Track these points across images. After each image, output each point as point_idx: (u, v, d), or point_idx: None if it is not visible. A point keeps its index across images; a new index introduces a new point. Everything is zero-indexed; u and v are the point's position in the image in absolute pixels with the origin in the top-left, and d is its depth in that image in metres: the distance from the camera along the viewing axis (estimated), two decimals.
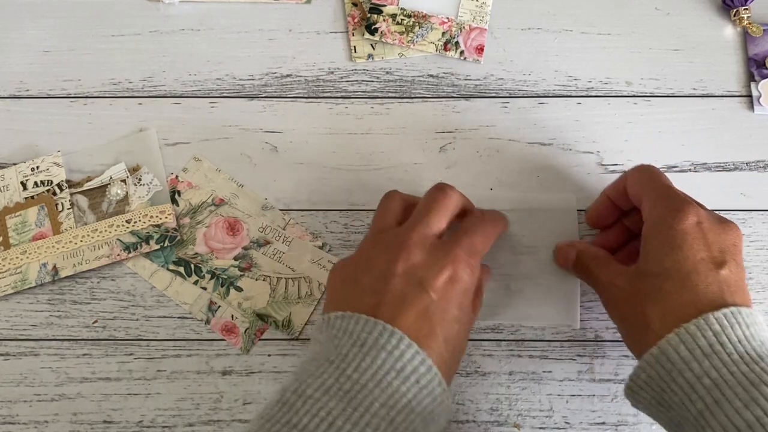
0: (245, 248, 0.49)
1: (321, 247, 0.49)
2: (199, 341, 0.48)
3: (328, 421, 0.33)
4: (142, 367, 0.47)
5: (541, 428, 0.46)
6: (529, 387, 0.47)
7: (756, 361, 0.34)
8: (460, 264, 0.39)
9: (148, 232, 0.49)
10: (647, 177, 0.42)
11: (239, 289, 0.48)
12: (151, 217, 0.49)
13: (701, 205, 0.41)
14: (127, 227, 0.49)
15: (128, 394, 0.47)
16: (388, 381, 0.35)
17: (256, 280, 0.48)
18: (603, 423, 0.46)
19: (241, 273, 0.48)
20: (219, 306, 0.48)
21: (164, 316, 0.48)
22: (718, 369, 0.34)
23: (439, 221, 0.41)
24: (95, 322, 0.48)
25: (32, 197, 0.50)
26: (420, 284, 0.38)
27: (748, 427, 0.32)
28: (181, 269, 0.49)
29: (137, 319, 0.48)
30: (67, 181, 0.50)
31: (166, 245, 0.49)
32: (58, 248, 0.48)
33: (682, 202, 0.39)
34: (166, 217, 0.49)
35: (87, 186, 0.50)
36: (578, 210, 0.49)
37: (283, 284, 0.48)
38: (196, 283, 0.48)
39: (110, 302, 0.48)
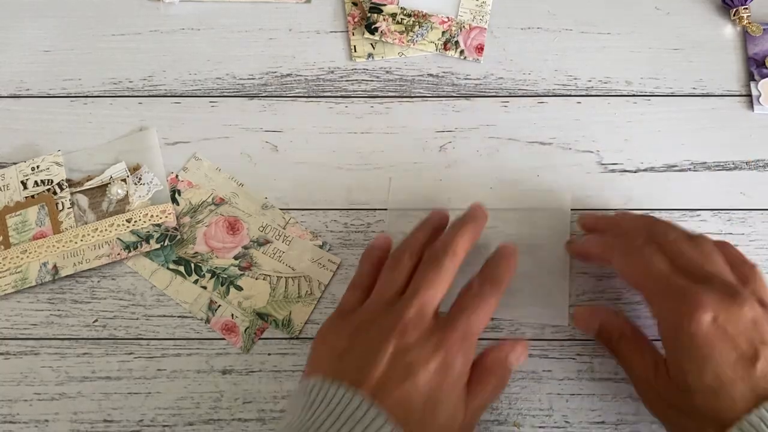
0: (245, 247, 0.49)
1: (321, 246, 0.49)
2: (199, 340, 0.48)
3: None
4: (143, 366, 0.47)
5: (540, 427, 0.46)
6: (529, 386, 0.47)
7: None
8: (452, 350, 0.37)
9: (149, 231, 0.49)
10: (640, 269, 0.39)
11: (239, 288, 0.48)
12: (152, 216, 0.49)
13: (711, 276, 0.38)
14: (128, 226, 0.49)
15: (128, 393, 0.47)
16: None
17: (256, 279, 0.48)
18: (603, 422, 0.46)
19: (241, 272, 0.48)
20: (219, 305, 0.48)
21: (164, 315, 0.48)
22: None
23: (435, 298, 0.39)
24: (95, 321, 0.48)
25: (32, 196, 0.50)
26: (408, 369, 0.36)
27: None
28: (181, 268, 0.49)
29: (137, 319, 0.48)
30: (68, 181, 0.50)
31: (166, 244, 0.49)
32: (58, 247, 0.49)
33: (690, 299, 0.36)
34: (166, 216, 0.49)
35: (87, 185, 0.50)
36: (572, 209, 0.49)
37: (283, 283, 0.48)
38: (196, 282, 0.48)
39: (110, 301, 0.48)
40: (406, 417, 0.35)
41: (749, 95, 0.52)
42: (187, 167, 0.51)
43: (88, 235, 0.49)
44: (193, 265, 0.49)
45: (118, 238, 0.49)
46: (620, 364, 0.43)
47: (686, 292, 0.37)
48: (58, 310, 0.48)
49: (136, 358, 0.48)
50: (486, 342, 0.48)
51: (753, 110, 0.52)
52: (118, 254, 0.48)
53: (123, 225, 0.49)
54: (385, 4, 0.53)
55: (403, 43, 0.53)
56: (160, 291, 0.48)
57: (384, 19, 0.53)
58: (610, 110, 0.52)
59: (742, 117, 0.52)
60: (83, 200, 0.50)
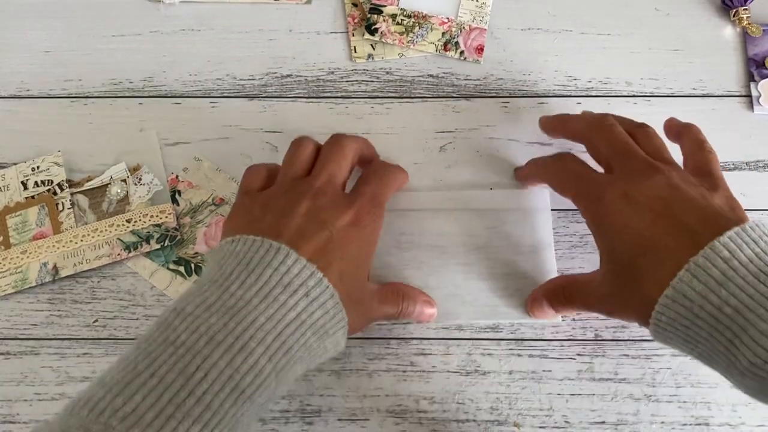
0: None
1: None
2: None
3: (208, 335, 0.33)
4: None
5: (541, 427, 0.46)
6: (529, 386, 0.47)
7: None
8: (364, 210, 0.40)
9: (149, 232, 0.49)
10: (561, 175, 0.44)
11: None
12: (152, 216, 0.49)
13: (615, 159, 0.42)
14: (128, 227, 0.49)
15: None
16: (274, 296, 0.35)
17: None
18: (603, 422, 0.46)
19: None
20: None
21: None
22: (736, 295, 0.33)
23: (341, 171, 0.42)
24: (95, 321, 0.48)
25: (33, 197, 0.50)
26: (322, 222, 0.38)
27: None
28: (182, 269, 0.49)
29: (137, 319, 0.48)
30: (68, 181, 0.50)
31: (166, 245, 0.49)
32: (58, 248, 0.49)
33: (599, 185, 0.40)
34: (166, 217, 0.49)
35: (87, 186, 0.50)
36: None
37: None
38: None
39: (110, 301, 0.48)
40: (320, 264, 0.36)
41: (749, 96, 0.52)
42: (187, 168, 0.51)
43: (88, 235, 0.49)
44: (193, 265, 0.49)
45: (118, 239, 0.49)
46: (578, 307, 0.44)
47: (597, 181, 0.40)
48: (58, 311, 0.48)
49: None
50: (486, 341, 0.48)
51: (753, 111, 0.52)
52: (119, 254, 0.48)
53: (123, 225, 0.49)
54: (385, 5, 0.53)
55: (403, 44, 0.53)
56: (161, 291, 0.48)
57: (384, 20, 0.53)
58: (610, 111, 0.52)
59: (742, 118, 0.52)
60: (83, 201, 0.50)
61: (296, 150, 0.43)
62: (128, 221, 0.49)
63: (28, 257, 0.48)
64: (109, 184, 0.50)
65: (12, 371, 0.47)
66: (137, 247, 0.49)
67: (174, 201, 0.50)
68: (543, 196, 0.49)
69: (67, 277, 0.48)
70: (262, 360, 0.33)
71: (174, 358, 0.32)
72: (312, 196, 0.40)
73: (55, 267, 0.48)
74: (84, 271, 0.49)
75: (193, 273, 0.48)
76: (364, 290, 0.41)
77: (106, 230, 0.49)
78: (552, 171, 0.45)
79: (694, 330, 0.35)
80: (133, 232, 0.49)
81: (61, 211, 0.49)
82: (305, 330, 0.35)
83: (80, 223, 0.49)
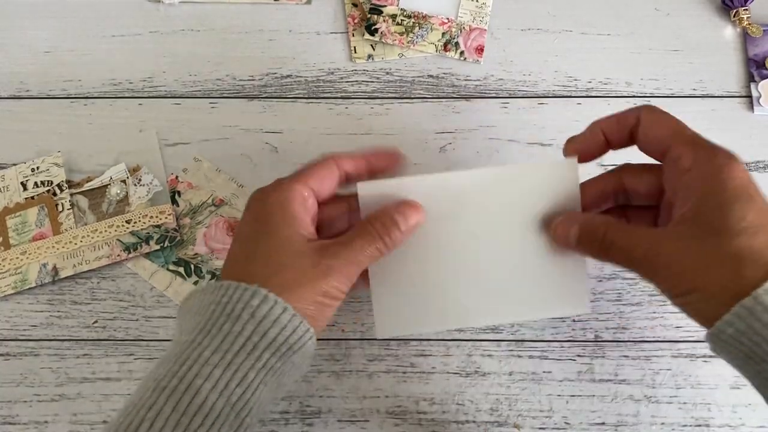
0: None
1: None
2: None
3: (155, 383, 0.33)
4: (143, 367, 0.47)
5: (541, 428, 0.46)
6: (529, 387, 0.47)
7: None
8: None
9: (148, 233, 0.49)
10: (674, 123, 0.38)
11: None
12: (151, 217, 0.49)
13: None
14: (127, 227, 0.49)
15: (128, 395, 0.47)
16: (218, 326, 0.34)
17: None
18: (603, 423, 0.46)
19: None
20: None
21: (164, 317, 0.48)
22: None
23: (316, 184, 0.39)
24: (95, 322, 0.48)
25: (32, 197, 0.50)
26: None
27: None
28: (181, 269, 0.49)
29: (137, 320, 0.48)
30: (67, 182, 0.50)
31: (166, 245, 0.49)
32: (58, 248, 0.49)
33: (727, 152, 0.36)
34: (166, 218, 0.49)
35: (87, 186, 0.50)
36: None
37: None
38: (196, 283, 0.48)
39: (110, 302, 0.48)
40: (264, 280, 0.35)
41: (749, 96, 0.52)
42: (186, 168, 0.51)
43: (88, 236, 0.49)
44: (192, 266, 0.49)
45: (117, 240, 0.49)
46: (610, 256, 0.37)
47: (720, 147, 0.36)
48: (58, 312, 0.48)
49: (136, 359, 0.48)
50: (486, 342, 0.48)
51: (753, 111, 0.52)
52: (118, 255, 0.48)
53: (123, 226, 0.49)
54: (385, 6, 0.53)
55: (403, 44, 0.53)
56: (160, 292, 0.48)
57: (384, 21, 0.53)
58: (610, 111, 0.52)
59: (742, 118, 0.52)
60: (83, 201, 0.50)
61: None
62: (128, 222, 0.49)
63: (27, 258, 0.48)
64: (109, 184, 0.50)
65: (12, 372, 0.47)
66: (137, 248, 0.49)
67: (174, 202, 0.50)
68: (569, 164, 0.41)
69: (66, 278, 0.48)
70: (211, 396, 0.32)
71: (127, 418, 0.32)
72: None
73: (54, 268, 0.48)
74: (84, 272, 0.49)
75: (193, 274, 0.48)
76: (304, 258, 0.36)
77: (105, 231, 0.49)
78: (660, 120, 0.38)
79: (764, 347, 0.32)
80: (132, 233, 0.49)
81: (60, 211, 0.49)
82: (260, 353, 0.34)
83: (80, 224, 0.49)
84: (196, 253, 0.49)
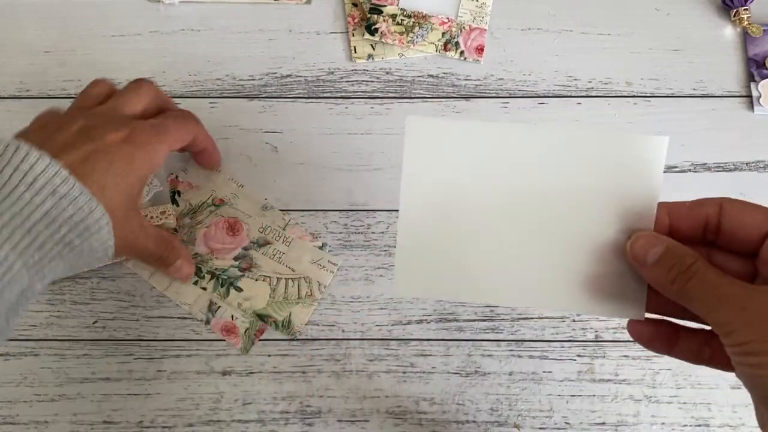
0: (245, 248, 0.49)
1: (321, 248, 0.49)
2: (198, 341, 0.48)
3: None
4: (142, 367, 0.47)
5: (541, 428, 0.46)
6: (529, 387, 0.47)
7: None
8: (141, 130, 0.40)
9: None
10: (766, 209, 0.34)
11: (239, 290, 0.48)
12: (152, 217, 0.49)
13: None
14: None
15: (128, 395, 0.47)
16: (18, 194, 0.35)
17: (256, 280, 0.48)
18: (603, 423, 0.46)
19: (241, 273, 0.48)
20: (219, 306, 0.48)
21: (164, 317, 0.48)
22: None
23: (129, 105, 0.42)
24: (95, 322, 0.48)
25: None
26: (90, 137, 0.39)
27: None
28: None
29: (137, 320, 0.48)
30: None
31: None
32: None
33: None
34: (166, 218, 0.49)
35: None
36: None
37: (282, 284, 0.48)
38: (196, 283, 0.48)
39: (110, 302, 0.48)
40: (80, 172, 0.37)
41: (749, 96, 0.52)
42: (186, 168, 0.51)
43: None
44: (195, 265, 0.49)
45: None
46: (693, 294, 0.31)
47: None
48: (58, 311, 0.48)
49: (135, 359, 0.48)
50: (486, 342, 0.48)
51: (753, 111, 0.52)
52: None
53: None
54: (385, 5, 0.53)
55: (403, 44, 0.53)
56: (160, 292, 0.48)
57: (384, 20, 0.53)
58: (610, 111, 0.52)
59: (742, 118, 0.52)
60: None
61: (91, 86, 0.44)
62: None
63: None
64: None
65: (12, 372, 0.47)
66: None
67: (174, 202, 0.50)
68: (660, 146, 0.35)
69: (66, 278, 0.48)
70: (11, 256, 0.34)
71: None
72: (88, 117, 0.40)
73: None
74: (83, 272, 0.48)
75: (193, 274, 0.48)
76: (131, 212, 0.40)
77: None
78: (754, 209, 0.34)
79: None
80: None
81: None
82: (59, 226, 0.36)
83: None
84: (196, 253, 0.49)
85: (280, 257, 0.49)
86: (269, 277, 0.48)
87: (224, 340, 0.48)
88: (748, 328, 0.29)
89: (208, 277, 0.48)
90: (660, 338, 0.35)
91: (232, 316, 0.48)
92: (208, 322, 0.48)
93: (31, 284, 0.35)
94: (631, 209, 0.35)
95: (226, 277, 0.48)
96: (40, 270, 0.36)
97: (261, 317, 0.48)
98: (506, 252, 0.36)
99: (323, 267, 0.49)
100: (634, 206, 0.35)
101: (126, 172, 0.39)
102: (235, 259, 0.49)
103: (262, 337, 0.48)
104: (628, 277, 0.35)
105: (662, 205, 0.35)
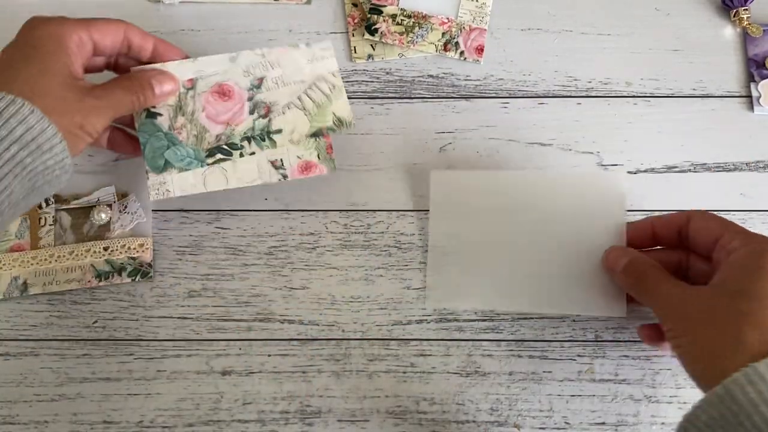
0: (250, 99, 0.47)
1: (307, 45, 0.48)
2: (198, 341, 0.48)
3: None
4: (142, 367, 0.47)
5: (541, 428, 0.46)
6: (529, 387, 0.47)
7: None
8: (47, 19, 0.42)
9: (122, 263, 0.48)
10: (722, 220, 0.41)
11: (278, 131, 0.47)
12: (129, 248, 0.48)
13: None
14: (104, 255, 0.48)
15: (128, 395, 0.47)
16: None
17: (284, 113, 0.47)
18: (603, 423, 0.46)
19: (266, 118, 0.47)
20: (280, 158, 0.47)
21: (164, 317, 0.48)
22: None
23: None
24: (95, 322, 0.48)
25: None
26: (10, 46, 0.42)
27: None
28: (220, 156, 0.47)
29: (137, 319, 0.48)
30: (55, 196, 0.49)
31: (137, 280, 0.48)
32: (32, 264, 0.48)
33: (760, 237, 0.39)
34: (143, 251, 0.49)
35: (74, 204, 0.49)
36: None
37: (306, 99, 0.47)
38: (242, 155, 0.47)
39: (110, 302, 0.48)
40: (6, 81, 0.38)
41: (749, 96, 0.52)
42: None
43: (64, 256, 0.48)
44: (226, 146, 0.47)
45: (92, 265, 0.48)
46: (642, 292, 0.41)
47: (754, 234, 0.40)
48: (58, 311, 0.48)
49: (135, 359, 0.48)
50: (486, 342, 0.48)
51: (753, 111, 0.52)
52: (89, 281, 0.48)
53: (100, 252, 0.48)
54: (385, 5, 0.53)
55: (403, 44, 0.53)
56: (161, 292, 0.48)
57: (384, 21, 0.53)
58: (610, 111, 0.52)
59: (742, 118, 0.52)
60: (66, 219, 0.49)
61: None
62: (105, 249, 0.48)
63: (1, 269, 0.48)
64: (95, 206, 0.49)
65: (12, 372, 0.47)
66: (108, 277, 0.48)
67: (155, 115, 0.47)
68: (617, 179, 0.47)
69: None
70: None
71: None
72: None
73: (25, 283, 0.48)
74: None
75: (233, 151, 0.47)
76: (68, 90, 0.40)
77: (82, 255, 0.48)
78: (709, 217, 0.42)
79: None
80: (107, 261, 0.48)
81: (42, 226, 0.49)
82: (9, 145, 0.36)
83: (59, 242, 0.49)
84: (216, 136, 0.47)
85: (283, 80, 0.48)
86: (292, 102, 0.47)
87: (224, 341, 0.47)
88: (672, 318, 0.38)
89: (246, 144, 0.47)
90: (658, 336, 0.44)
91: (297, 156, 0.47)
92: (285, 177, 0.47)
93: None
94: (606, 229, 0.46)
95: (259, 132, 0.47)
96: (1, 195, 0.36)
97: (315, 135, 0.47)
98: (514, 269, 0.47)
99: (322, 57, 0.48)
100: (608, 227, 0.46)
101: (45, 60, 0.40)
102: (251, 112, 0.47)
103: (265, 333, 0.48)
104: (610, 286, 0.46)
105: (649, 218, 0.45)
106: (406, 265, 0.49)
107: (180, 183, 0.46)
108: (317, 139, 0.47)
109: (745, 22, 0.53)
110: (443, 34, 0.53)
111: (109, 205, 0.49)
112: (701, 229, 0.42)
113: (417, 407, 0.47)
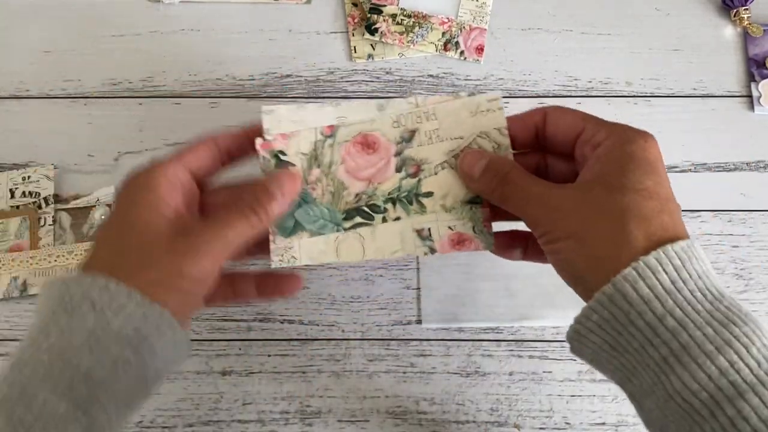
0: (397, 154, 0.39)
1: (471, 94, 0.40)
2: (198, 341, 0.48)
3: None
4: None
5: (541, 428, 0.46)
6: (529, 387, 0.47)
7: (718, 299, 0.30)
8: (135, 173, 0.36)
9: None
10: (581, 113, 0.37)
11: (429, 195, 0.39)
12: None
13: None
14: None
15: None
16: (55, 321, 0.32)
17: (436, 173, 0.39)
18: (603, 423, 0.46)
19: (416, 178, 0.39)
20: (428, 227, 0.39)
21: None
22: (683, 308, 0.30)
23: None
24: None
25: (17, 207, 0.49)
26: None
27: (721, 374, 0.28)
28: (359, 219, 0.39)
29: None
30: (55, 196, 0.49)
31: None
32: (32, 264, 0.48)
33: (644, 133, 0.36)
34: None
35: (73, 204, 0.49)
36: None
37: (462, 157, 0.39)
38: (384, 220, 0.39)
39: None
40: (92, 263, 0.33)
41: (749, 96, 0.52)
42: (265, 126, 0.40)
43: (63, 256, 0.48)
44: (367, 207, 0.39)
45: None
46: (506, 196, 0.36)
47: (637, 128, 0.36)
48: None
49: None
50: (486, 342, 0.48)
51: (753, 111, 0.52)
52: None
53: None
54: (385, 5, 0.53)
55: (403, 44, 0.53)
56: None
57: (384, 20, 0.53)
58: (610, 111, 0.52)
59: (742, 118, 0.52)
60: (66, 219, 0.49)
61: None
62: None
63: (0, 268, 0.48)
64: (95, 206, 0.49)
65: None
66: None
67: (280, 162, 0.40)
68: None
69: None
70: (51, 398, 0.29)
71: None
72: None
73: (24, 283, 0.48)
74: None
75: (374, 215, 0.40)
76: (156, 249, 0.33)
77: (80, 255, 0.48)
78: (566, 110, 0.38)
79: (625, 338, 0.31)
80: None
81: (42, 226, 0.49)
82: (109, 345, 0.30)
83: (58, 242, 0.49)
84: (356, 195, 0.39)
85: (438, 135, 0.40)
86: (446, 160, 0.39)
87: (224, 341, 0.47)
88: (548, 220, 0.34)
89: (389, 207, 0.39)
90: (514, 246, 0.40)
91: (450, 227, 0.39)
92: (433, 250, 0.39)
93: (93, 420, 0.30)
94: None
95: (405, 193, 0.39)
96: (100, 403, 0.30)
97: (471, 202, 0.39)
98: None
99: (488, 110, 0.40)
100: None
101: (124, 226, 0.34)
102: (398, 170, 0.39)
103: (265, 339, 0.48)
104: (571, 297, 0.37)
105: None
106: (406, 265, 0.49)
107: (308, 249, 0.38)
108: (473, 208, 0.39)
109: (746, 22, 0.53)
110: (443, 33, 0.53)
111: (109, 205, 0.49)
112: (560, 124, 0.37)
113: (417, 407, 0.47)
